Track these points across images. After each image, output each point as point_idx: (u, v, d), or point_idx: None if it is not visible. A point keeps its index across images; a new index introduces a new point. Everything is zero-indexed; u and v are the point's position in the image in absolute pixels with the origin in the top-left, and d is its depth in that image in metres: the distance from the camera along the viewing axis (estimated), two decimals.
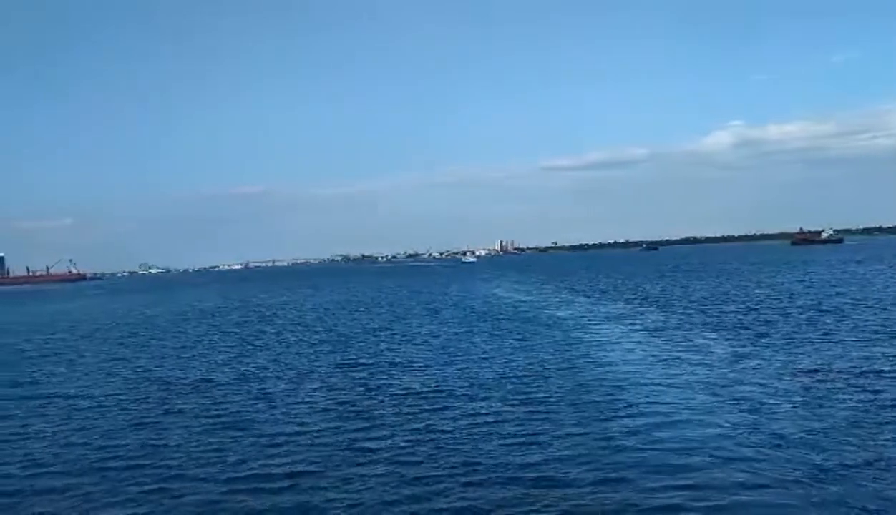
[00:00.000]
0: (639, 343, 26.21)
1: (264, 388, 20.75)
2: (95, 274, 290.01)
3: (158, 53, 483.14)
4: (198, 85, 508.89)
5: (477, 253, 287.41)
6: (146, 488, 12.15)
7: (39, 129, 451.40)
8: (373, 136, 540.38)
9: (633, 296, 48.68)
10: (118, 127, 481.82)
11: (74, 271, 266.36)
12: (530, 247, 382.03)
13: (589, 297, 50.35)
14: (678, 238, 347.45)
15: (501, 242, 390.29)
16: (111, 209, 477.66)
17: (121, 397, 20.51)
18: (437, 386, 19.65)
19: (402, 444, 13.95)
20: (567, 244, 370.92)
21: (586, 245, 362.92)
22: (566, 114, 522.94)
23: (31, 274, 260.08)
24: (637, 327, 31.00)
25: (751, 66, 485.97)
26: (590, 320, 34.80)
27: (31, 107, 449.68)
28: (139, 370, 25.69)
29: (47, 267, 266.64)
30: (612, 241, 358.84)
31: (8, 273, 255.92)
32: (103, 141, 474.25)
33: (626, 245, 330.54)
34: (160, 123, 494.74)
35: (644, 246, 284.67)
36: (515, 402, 17.07)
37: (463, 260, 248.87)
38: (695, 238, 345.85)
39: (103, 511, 11.21)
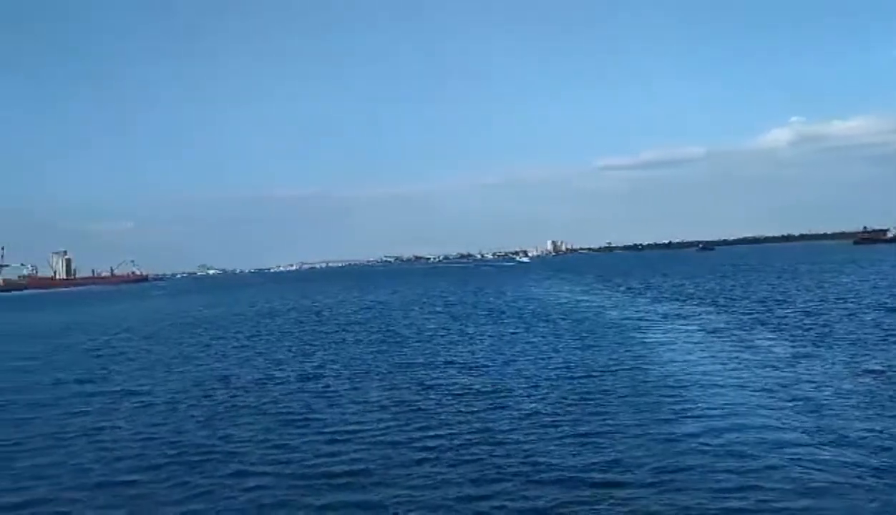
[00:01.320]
0: (697, 343, 25.88)
1: (323, 386, 21.16)
2: (156, 275, 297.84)
3: (213, 54, 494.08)
4: (253, 86, 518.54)
5: (530, 253, 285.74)
6: (214, 483, 12.49)
7: (103, 133, 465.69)
8: (425, 137, 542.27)
9: (690, 297, 47.94)
10: (178, 130, 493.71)
11: (137, 272, 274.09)
12: (584, 247, 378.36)
13: (645, 298, 49.79)
14: (735, 238, 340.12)
15: (554, 242, 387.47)
16: (171, 211, 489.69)
17: (187, 394, 21.12)
18: (494, 385, 19.75)
19: (462, 443, 14.06)
20: (621, 244, 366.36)
21: (641, 245, 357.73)
22: (622, 112, 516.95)
23: (96, 275, 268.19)
24: (695, 327, 30.59)
25: (811, 61, 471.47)
26: (647, 320, 34.47)
27: (94, 112, 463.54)
28: (203, 368, 26.43)
29: (111, 269, 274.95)
30: (667, 241, 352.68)
31: (75, 274, 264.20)
32: (164, 144, 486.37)
33: (682, 245, 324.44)
34: (218, 126, 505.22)
35: (700, 246, 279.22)
36: (574, 402, 17.08)
37: (517, 260, 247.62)
38: (753, 238, 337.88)
39: (173, 506, 11.55)
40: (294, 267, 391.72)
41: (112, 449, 15.22)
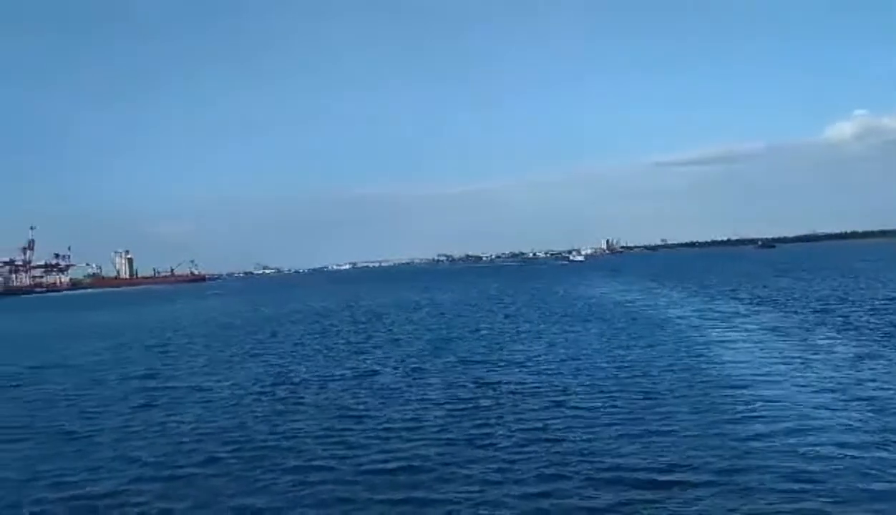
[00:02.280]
0: (758, 342, 25.42)
1: (380, 383, 21.43)
2: (214, 274, 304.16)
3: (273, 56, 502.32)
4: (310, 86, 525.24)
5: (583, 252, 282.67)
6: (274, 478, 12.76)
7: (164, 135, 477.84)
8: (479, 136, 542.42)
9: (749, 295, 46.91)
10: (237, 132, 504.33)
11: (196, 272, 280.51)
12: (639, 245, 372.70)
13: (702, 296, 48.96)
14: (796, 235, 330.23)
15: (608, 241, 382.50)
16: (229, 212, 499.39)
17: (246, 391, 21.61)
18: (551, 383, 19.72)
19: (519, 440, 14.10)
20: (677, 242, 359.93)
21: (697, 242, 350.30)
22: (677, 107, 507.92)
23: (156, 274, 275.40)
24: (755, 326, 30.04)
25: (875, 52, 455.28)
26: (704, 319, 33.95)
27: (154, 113, 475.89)
28: (261, 366, 26.97)
29: (171, 269, 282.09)
30: (725, 239, 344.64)
31: (136, 273, 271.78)
32: (222, 146, 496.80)
33: (741, 242, 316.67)
34: (276, 128, 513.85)
35: (760, 243, 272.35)
36: (633, 400, 16.97)
37: (571, 258, 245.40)
38: (814, 235, 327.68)
39: (235, 499, 11.82)
40: (348, 267, 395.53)
41: (178, 443, 15.69)
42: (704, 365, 21.23)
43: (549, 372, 21.71)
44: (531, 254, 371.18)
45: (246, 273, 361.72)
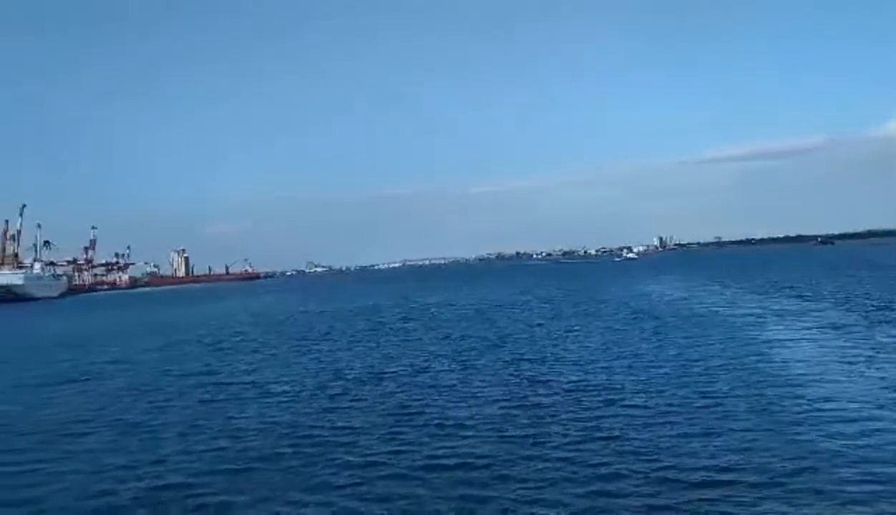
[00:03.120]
0: (817, 340, 24.89)
1: (433, 381, 21.53)
2: (267, 272, 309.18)
3: (326, 57, 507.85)
4: (363, 89, 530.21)
5: (635, 249, 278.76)
6: (330, 473, 12.97)
7: (218, 136, 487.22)
8: (528, 133, 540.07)
9: (807, 292, 45.82)
10: (288, 132, 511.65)
11: (250, 270, 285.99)
12: (692, 242, 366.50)
13: (759, 293, 47.97)
14: (857, 231, 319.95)
15: (661, 238, 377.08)
16: (281, 212, 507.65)
17: (302, 386, 21.95)
18: (606, 381, 19.60)
19: (574, 438, 14.04)
20: (733, 238, 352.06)
21: (753, 239, 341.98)
22: (731, 101, 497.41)
23: (212, 272, 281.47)
24: (814, 324, 29.37)
25: None
26: (762, 316, 33.28)
27: (212, 115, 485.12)
28: (316, 362, 27.38)
29: (226, 267, 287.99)
30: (782, 235, 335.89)
31: (192, 271, 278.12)
32: (274, 146, 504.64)
33: (799, 239, 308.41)
34: (326, 128, 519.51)
35: (818, 239, 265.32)
36: (689, 399, 16.75)
37: (624, 255, 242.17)
38: (875, 231, 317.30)
39: (293, 493, 12.03)
40: (398, 265, 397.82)
41: (238, 438, 16.04)
42: (763, 364, 20.86)
43: (604, 369, 21.57)
44: (582, 252, 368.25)
45: (298, 271, 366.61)
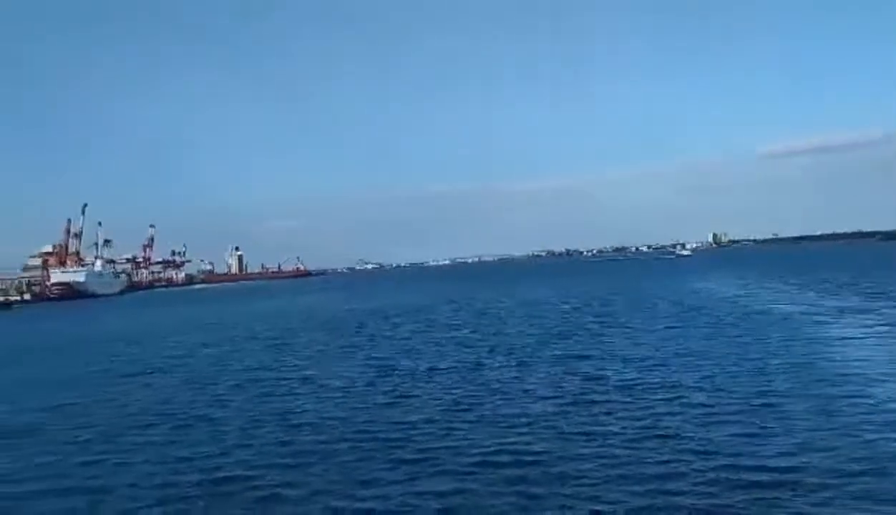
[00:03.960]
0: (879, 339, 24.20)
1: (487, 377, 21.59)
2: (318, 269, 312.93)
3: (382, 57, 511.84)
4: (411, 85, 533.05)
5: (688, 246, 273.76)
6: (388, 468, 13.11)
7: (271, 136, 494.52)
8: (577, 129, 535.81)
9: (870, 290, 44.33)
10: (337, 130, 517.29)
11: (301, 267, 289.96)
12: (748, 238, 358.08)
13: (818, 291, 46.68)
14: None
15: (715, 234, 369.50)
16: (331, 209, 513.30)
17: (355, 382, 22.23)
18: (662, 379, 19.36)
19: (631, 436, 13.94)
20: (790, 235, 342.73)
21: (811, 236, 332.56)
22: (788, 95, 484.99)
23: (265, 270, 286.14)
24: (876, 322, 28.52)
25: None
26: (822, 315, 32.40)
27: (265, 116, 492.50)
28: (369, 358, 27.70)
29: (279, 265, 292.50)
30: (841, 231, 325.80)
31: (246, 269, 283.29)
32: (325, 145, 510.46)
33: (859, 235, 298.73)
34: (377, 126, 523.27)
35: (879, 236, 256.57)
36: (748, 398, 16.43)
37: (677, 253, 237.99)
38: None
39: (352, 488, 12.17)
40: (447, 262, 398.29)
41: (294, 432, 16.37)
42: (824, 362, 20.38)
43: (659, 367, 21.34)
44: (633, 249, 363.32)
45: (349, 268, 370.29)
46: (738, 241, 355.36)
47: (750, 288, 55.28)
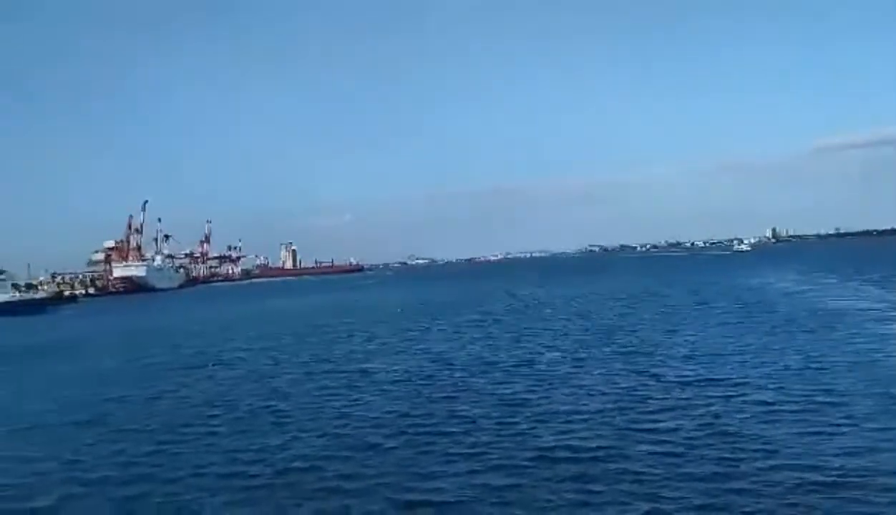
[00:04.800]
0: None
1: (542, 372, 21.59)
2: (371, 264, 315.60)
3: (431, 56, 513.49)
4: (462, 82, 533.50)
5: (747, 241, 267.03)
6: (447, 461, 13.29)
7: (323, 135, 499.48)
8: (630, 123, 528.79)
9: None
10: (388, 127, 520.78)
11: (354, 262, 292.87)
12: (808, 234, 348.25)
13: (883, 288, 45.24)
14: None
15: (774, 229, 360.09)
16: (383, 205, 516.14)
17: (412, 375, 22.53)
18: (720, 376, 19.11)
19: (689, 433, 13.81)
20: (852, 230, 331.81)
21: (876, 231, 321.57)
22: (851, 87, 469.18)
23: (318, 264, 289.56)
24: None
25: None
26: (887, 312, 31.45)
27: (318, 115, 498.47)
28: (424, 352, 28.03)
29: (332, 260, 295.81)
30: None
31: (300, 264, 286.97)
32: (377, 143, 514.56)
33: None
34: (426, 123, 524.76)
35: None
36: (810, 396, 16.11)
37: (735, 248, 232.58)
38: None
39: (411, 481, 12.34)
40: (498, 258, 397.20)
41: (353, 424, 16.69)
42: (891, 361, 19.84)
43: (719, 364, 21.05)
44: (689, 244, 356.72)
45: (400, 263, 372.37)
46: (798, 236, 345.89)
47: (810, 283, 53.87)
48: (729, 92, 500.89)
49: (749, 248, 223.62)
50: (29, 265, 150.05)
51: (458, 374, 22.34)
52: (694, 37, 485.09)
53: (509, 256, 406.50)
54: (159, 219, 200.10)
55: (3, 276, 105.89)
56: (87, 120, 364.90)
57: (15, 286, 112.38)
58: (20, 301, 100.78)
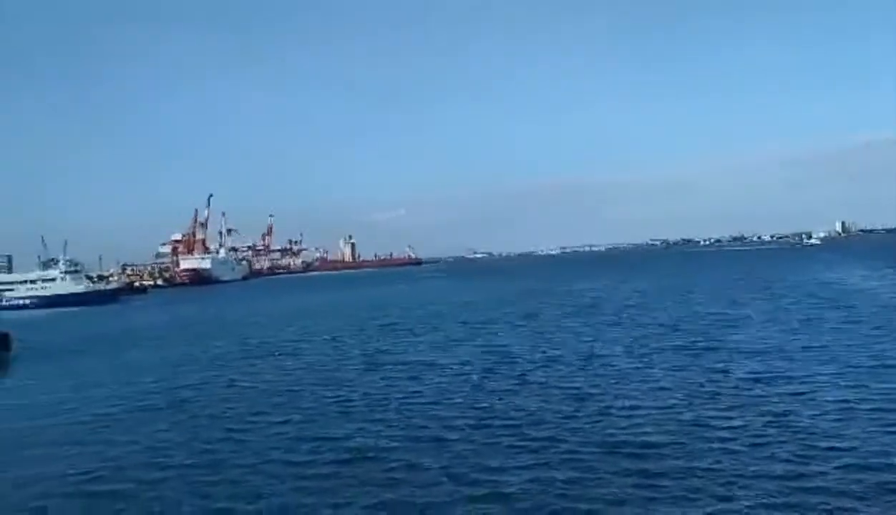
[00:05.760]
0: None
1: (608, 365, 21.55)
2: (429, 258, 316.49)
3: (487, 52, 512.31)
4: (506, 80, 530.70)
5: (816, 235, 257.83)
6: (515, 451, 13.43)
7: (382, 132, 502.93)
8: (691, 116, 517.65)
9: None
10: (444, 125, 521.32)
11: (412, 256, 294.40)
12: (881, 228, 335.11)
13: None
14: None
15: (843, 223, 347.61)
16: (440, 200, 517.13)
17: (473, 368, 22.70)
18: (788, 372, 18.74)
19: (760, 430, 13.62)
20: None
21: None
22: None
23: (377, 258, 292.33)
24: None
25: None
26: None
27: (377, 113, 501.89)
28: (484, 343, 28.19)
29: (390, 253, 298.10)
30: None
31: (359, 257, 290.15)
32: (434, 138, 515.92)
33: None
34: (483, 120, 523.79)
35: None
36: (886, 394, 15.71)
37: (804, 242, 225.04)
38: None
39: (476, 472, 12.44)
40: (556, 252, 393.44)
41: (419, 412, 17.03)
42: None
43: (788, 361, 20.58)
44: (755, 238, 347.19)
45: (458, 257, 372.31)
46: (869, 230, 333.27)
47: (885, 279, 52.01)
48: (796, 82, 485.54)
49: (819, 242, 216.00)
50: (101, 257, 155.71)
51: (520, 366, 22.39)
52: (749, 33, 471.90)
53: (566, 250, 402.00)
54: (223, 213, 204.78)
55: (77, 268, 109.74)
56: (155, 120, 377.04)
57: (88, 277, 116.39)
58: (94, 291, 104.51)
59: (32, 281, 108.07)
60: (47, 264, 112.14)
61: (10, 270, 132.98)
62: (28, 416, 19.59)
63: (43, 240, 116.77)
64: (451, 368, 22.94)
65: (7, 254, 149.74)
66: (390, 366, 24.17)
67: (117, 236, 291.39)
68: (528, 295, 56.60)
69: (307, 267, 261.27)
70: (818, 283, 51.19)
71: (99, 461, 14.57)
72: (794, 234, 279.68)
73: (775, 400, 16.00)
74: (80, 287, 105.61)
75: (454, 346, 28.29)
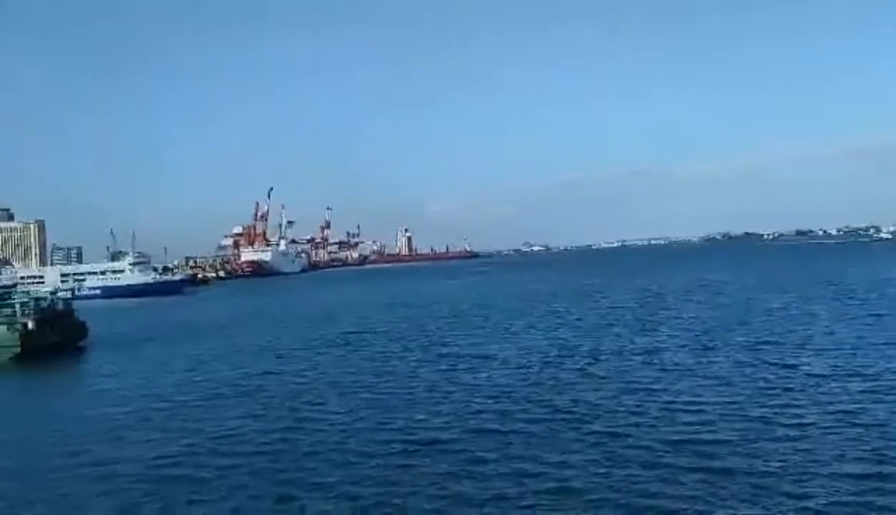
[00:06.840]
0: None
1: (668, 360, 21.44)
2: (485, 252, 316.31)
3: (546, 44, 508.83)
4: (577, 68, 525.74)
5: (886, 229, 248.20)
6: (578, 441, 13.59)
7: (439, 128, 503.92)
8: (752, 107, 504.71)
9: None
10: (502, 119, 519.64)
11: (468, 249, 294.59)
12: None
13: None
14: None
15: None
16: (500, 193, 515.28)
17: (530, 360, 22.91)
18: (858, 368, 18.42)
19: (829, 425, 13.44)
20: None
21: None
22: None
23: (433, 251, 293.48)
24: None
25: None
26: None
27: (430, 111, 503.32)
28: (544, 337, 28.30)
29: (447, 246, 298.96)
30: None
31: (415, 250, 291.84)
32: (493, 134, 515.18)
33: None
34: (538, 111, 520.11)
35: None
36: None
37: (873, 236, 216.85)
38: None
39: (540, 465, 12.49)
40: (615, 245, 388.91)
41: (481, 402, 17.28)
42: None
43: (856, 357, 20.19)
44: (820, 232, 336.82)
45: (515, 250, 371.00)
46: None
47: None
48: (865, 72, 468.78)
49: (889, 236, 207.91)
50: (166, 249, 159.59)
51: (580, 359, 22.41)
52: (822, 25, 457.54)
53: (626, 243, 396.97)
54: (283, 206, 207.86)
55: (144, 260, 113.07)
56: (218, 116, 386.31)
57: (154, 269, 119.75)
58: (160, 282, 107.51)
59: (102, 273, 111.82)
60: (116, 256, 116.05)
61: (80, 261, 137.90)
62: (107, 403, 20.39)
63: (112, 233, 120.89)
64: (513, 359, 23.23)
65: (77, 245, 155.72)
66: (452, 357, 24.47)
67: (182, 229, 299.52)
68: (588, 290, 56.39)
69: (363, 260, 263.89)
70: (888, 278, 49.48)
71: (172, 447, 15.08)
72: (863, 228, 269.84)
73: (844, 396, 15.74)
74: (148, 278, 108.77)
75: (513, 339, 28.39)
